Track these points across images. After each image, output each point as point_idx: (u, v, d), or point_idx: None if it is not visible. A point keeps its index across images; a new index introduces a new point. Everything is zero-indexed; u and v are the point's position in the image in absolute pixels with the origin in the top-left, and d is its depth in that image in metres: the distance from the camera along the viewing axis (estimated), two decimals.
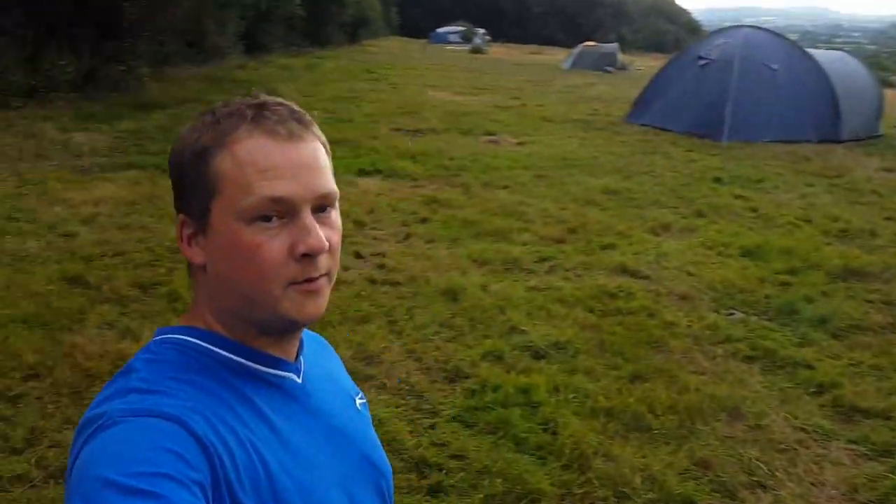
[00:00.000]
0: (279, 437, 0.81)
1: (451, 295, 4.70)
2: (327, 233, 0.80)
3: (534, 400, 3.44)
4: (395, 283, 4.96)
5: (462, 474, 2.88)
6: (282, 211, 0.78)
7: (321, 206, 0.81)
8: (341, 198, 0.85)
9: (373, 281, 4.97)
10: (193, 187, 0.80)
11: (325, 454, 0.87)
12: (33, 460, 2.79)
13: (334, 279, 0.84)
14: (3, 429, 2.97)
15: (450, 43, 41.76)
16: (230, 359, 0.83)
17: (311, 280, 0.80)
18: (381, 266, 5.30)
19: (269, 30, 21.82)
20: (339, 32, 30.69)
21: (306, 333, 0.98)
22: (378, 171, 8.16)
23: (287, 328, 0.84)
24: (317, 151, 0.82)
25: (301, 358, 0.90)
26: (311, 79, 17.27)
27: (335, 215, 0.83)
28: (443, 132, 11.01)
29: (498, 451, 3.03)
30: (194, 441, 0.72)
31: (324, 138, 0.85)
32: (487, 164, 8.81)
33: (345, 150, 8.59)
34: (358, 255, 5.49)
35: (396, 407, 3.43)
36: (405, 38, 44.04)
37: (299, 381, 0.89)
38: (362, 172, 8.02)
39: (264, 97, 0.83)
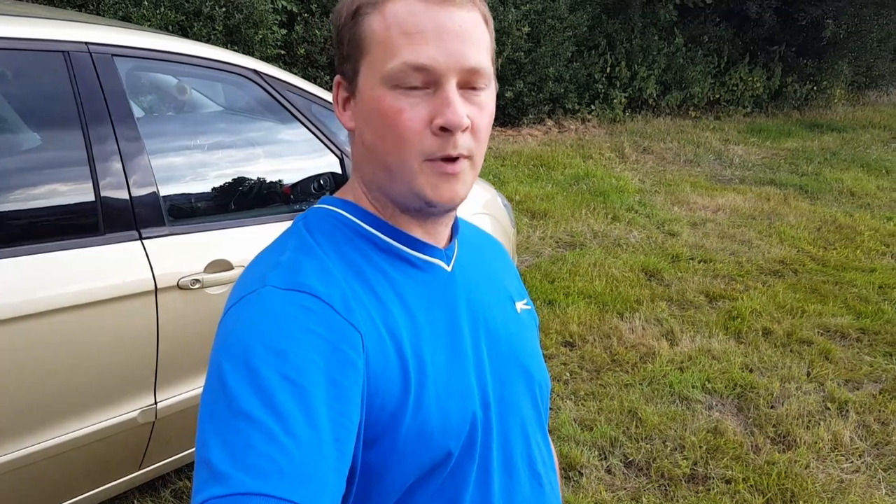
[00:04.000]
0: (415, 320, 0.78)
1: None
2: (472, 111, 0.75)
3: None
4: None
5: None
6: (426, 80, 0.73)
7: (470, 83, 0.75)
8: None
9: None
10: (347, 47, 0.79)
11: (469, 345, 0.82)
12: None
13: (479, 166, 0.79)
14: None
15: None
16: (378, 237, 0.81)
17: (448, 160, 0.75)
18: None
19: None
20: None
21: (471, 228, 0.97)
22: None
23: (423, 208, 0.79)
24: (472, 22, 0.75)
25: (454, 245, 0.87)
26: None
27: (486, 96, 0.77)
28: None
29: None
30: (341, 322, 0.70)
31: (486, 12, 0.79)
32: None
33: None
34: None
35: None
36: None
37: (448, 268, 0.85)
38: None
39: None
